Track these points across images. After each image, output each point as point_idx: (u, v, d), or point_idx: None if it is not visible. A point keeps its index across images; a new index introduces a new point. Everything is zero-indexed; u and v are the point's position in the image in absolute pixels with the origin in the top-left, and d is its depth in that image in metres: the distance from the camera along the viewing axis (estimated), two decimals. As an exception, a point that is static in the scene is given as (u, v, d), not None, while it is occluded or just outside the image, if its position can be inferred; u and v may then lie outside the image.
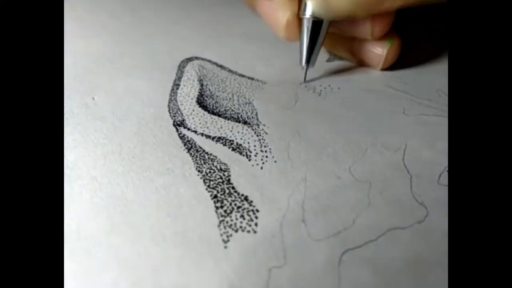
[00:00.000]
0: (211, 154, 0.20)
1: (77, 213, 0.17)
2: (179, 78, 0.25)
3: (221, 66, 0.26)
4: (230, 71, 0.26)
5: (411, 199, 0.18)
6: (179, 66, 0.26)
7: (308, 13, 0.23)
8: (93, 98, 0.23)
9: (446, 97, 0.24)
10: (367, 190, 0.18)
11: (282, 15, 0.24)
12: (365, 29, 0.23)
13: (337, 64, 0.27)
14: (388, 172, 0.19)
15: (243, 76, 0.26)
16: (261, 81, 0.25)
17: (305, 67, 0.24)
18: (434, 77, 0.25)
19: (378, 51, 0.25)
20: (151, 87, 0.24)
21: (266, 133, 0.21)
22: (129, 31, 0.29)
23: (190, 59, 0.27)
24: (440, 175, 0.19)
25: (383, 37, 0.24)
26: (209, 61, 0.27)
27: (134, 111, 0.22)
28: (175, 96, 0.23)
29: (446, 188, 0.18)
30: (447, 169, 0.19)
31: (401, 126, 0.22)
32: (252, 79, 0.25)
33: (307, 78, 0.25)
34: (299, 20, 0.24)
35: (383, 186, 0.19)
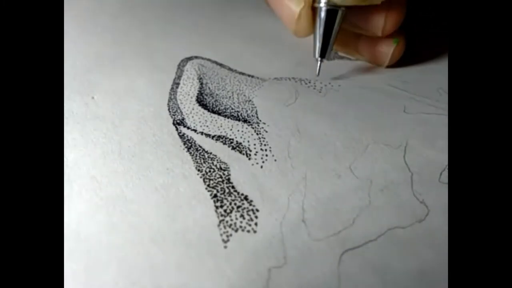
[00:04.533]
0: (211, 153, 0.20)
1: (77, 212, 0.17)
2: (178, 77, 0.25)
3: (221, 65, 0.26)
4: (230, 69, 0.26)
5: (412, 198, 0.18)
6: (179, 65, 0.26)
7: (324, 0, 0.22)
8: (93, 98, 0.23)
9: (447, 96, 0.24)
10: (368, 188, 0.18)
11: (295, 6, 0.23)
12: (378, 24, 0.23)
13: (338, 62, 0.27)
14: (388, 170, 0.19)
15: (243, 74, 0.25)
16: (261, 78, 0.25)
17: (319, 60, 0.24)
18: (435, 75, 0.25)
19: (385, 50, 0.25)
20: (150, 86, 0.24)
21: (266, 131, 0.21)
22: (129, 31, 0.29)
23: (190, 58, 0.27)
24: (441, 174, 0.19)
25: (389, 36, 0.24)
26: (209, 60, 0.27)
27: (133, 110, 0.22)
28: (174, 95, 0.23)
29: (447, 186, 0.18)
30: (447, 167, 0.19)
31: (402, 124, 0.22)
32: (252, 76, 0.25)
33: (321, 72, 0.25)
34: (313, 13, 0.23)
35: (384, 184, 0.18)
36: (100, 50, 0.27)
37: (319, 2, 0.23)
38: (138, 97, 0.23)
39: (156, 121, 0.22)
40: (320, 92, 0.24)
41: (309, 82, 0.25)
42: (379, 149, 0.20)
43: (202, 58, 0.27)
